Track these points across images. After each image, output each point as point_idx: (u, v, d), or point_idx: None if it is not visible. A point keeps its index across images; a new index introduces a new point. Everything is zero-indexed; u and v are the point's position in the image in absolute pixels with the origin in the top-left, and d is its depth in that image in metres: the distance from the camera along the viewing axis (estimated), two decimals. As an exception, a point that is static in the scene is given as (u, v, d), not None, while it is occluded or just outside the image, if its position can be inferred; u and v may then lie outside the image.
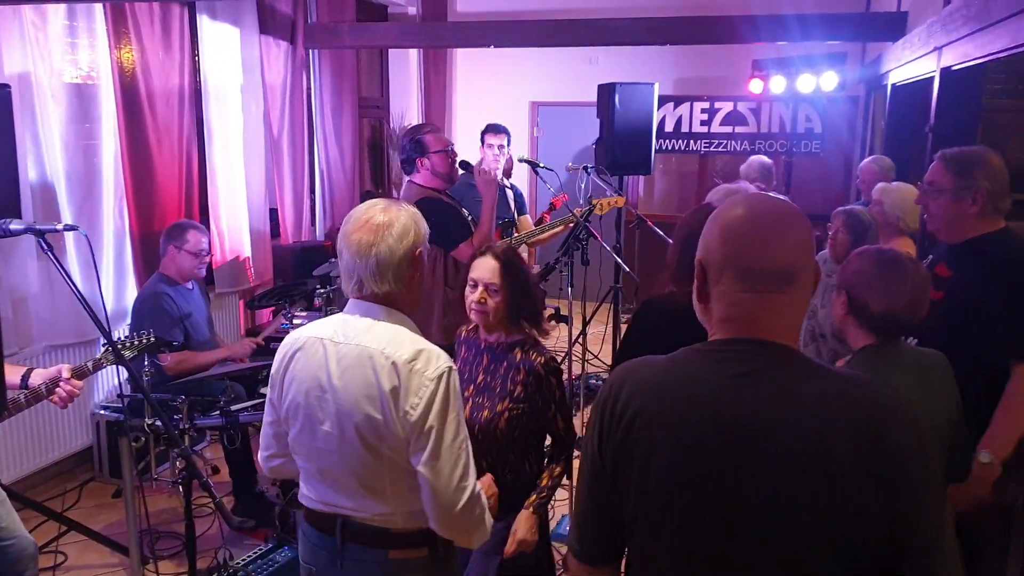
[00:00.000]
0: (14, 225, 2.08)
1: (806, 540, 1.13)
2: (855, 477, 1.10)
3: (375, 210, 1.76)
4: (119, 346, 2.76)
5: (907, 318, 1.88)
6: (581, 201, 4.96)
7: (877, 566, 1.14)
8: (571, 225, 4.42)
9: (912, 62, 4.13)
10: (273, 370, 1.85)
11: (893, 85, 4.81)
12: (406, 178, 3.61)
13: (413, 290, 1.80)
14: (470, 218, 3.57)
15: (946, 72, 3.41)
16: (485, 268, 2.31)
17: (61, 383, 2.50)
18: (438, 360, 1.71)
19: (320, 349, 1.76)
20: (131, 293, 4.42)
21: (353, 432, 1.71)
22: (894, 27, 5.05)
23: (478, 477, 1.78)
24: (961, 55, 3.14)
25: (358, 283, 1.75)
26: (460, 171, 3.67)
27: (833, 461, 1.11)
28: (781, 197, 1.38)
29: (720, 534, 1.17)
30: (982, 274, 2.27)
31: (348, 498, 1.78)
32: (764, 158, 5.64)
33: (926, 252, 2.90)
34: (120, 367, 2.79)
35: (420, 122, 7.73)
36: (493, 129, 4.72)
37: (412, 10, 7.67)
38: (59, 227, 2.14)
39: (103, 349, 2.87)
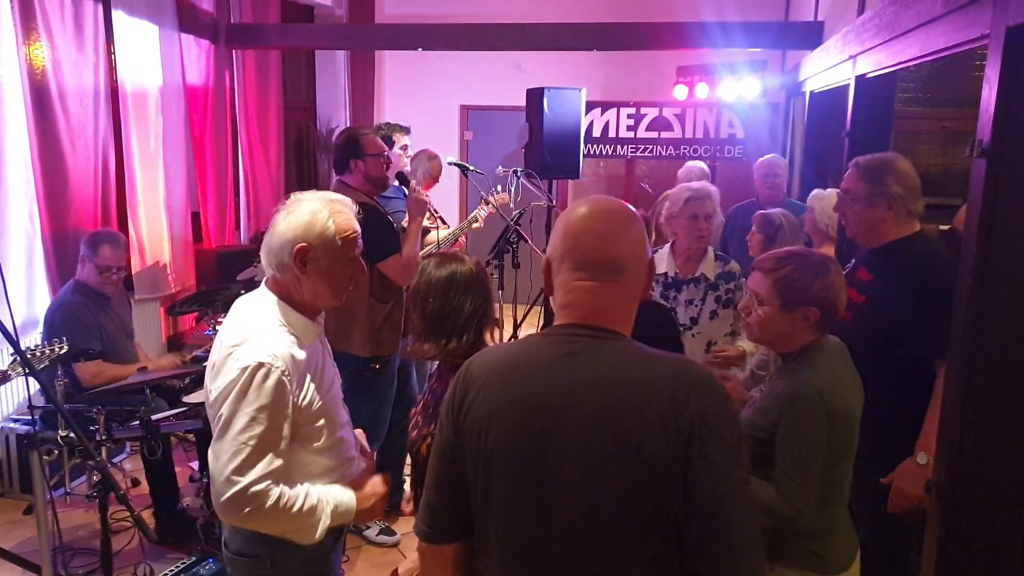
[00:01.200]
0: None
1: (604, 507, 1.23)
2: (653, 440, 1.20)
3: (303, 194, 1.85)
4: (29, 355, 2.63)
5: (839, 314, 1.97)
6: (511, 205, 5.00)
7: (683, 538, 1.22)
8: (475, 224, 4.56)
9: (829, 70, 4.30)
10: None
11: (811, 92, 4.99)
12: (335, 177, 3.56)
13: (304, 284, 1.82)
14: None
15: (861, 80, 3.55)
16: None
17: None
18: (258, 353, 1.71)
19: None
20: (43, 300, 4.22)
21: (207, 409, 1.83)
22: (811, 36, 5.25)
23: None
24: (874, 63, 3.27)
25: (262, 262, 1.86)
26: (395, 182, 3.65)
27: (630, 426, 1.21)
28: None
29: (533, 503, 1.28)
30: (900, 276, 2.33)
31: None
32: (701, 163, 5.80)
33: (847, 257, 3.00)
34: (30, 378, 2.68)
35: (349, 125, 7.64)
36: (398, 128, 4.44)
37: (339, 12, 7.57)
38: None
39: (11, 359, 2.73)
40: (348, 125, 7.81)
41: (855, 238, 2.55)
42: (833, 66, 4.15)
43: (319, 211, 1.81)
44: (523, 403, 1.29)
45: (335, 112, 7.82)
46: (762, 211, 3.52)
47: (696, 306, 3.15)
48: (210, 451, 1.74)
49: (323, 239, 1.80)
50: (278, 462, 1.74)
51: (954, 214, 3.28)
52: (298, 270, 1.80)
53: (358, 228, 1.89)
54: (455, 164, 4.76)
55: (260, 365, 1.70)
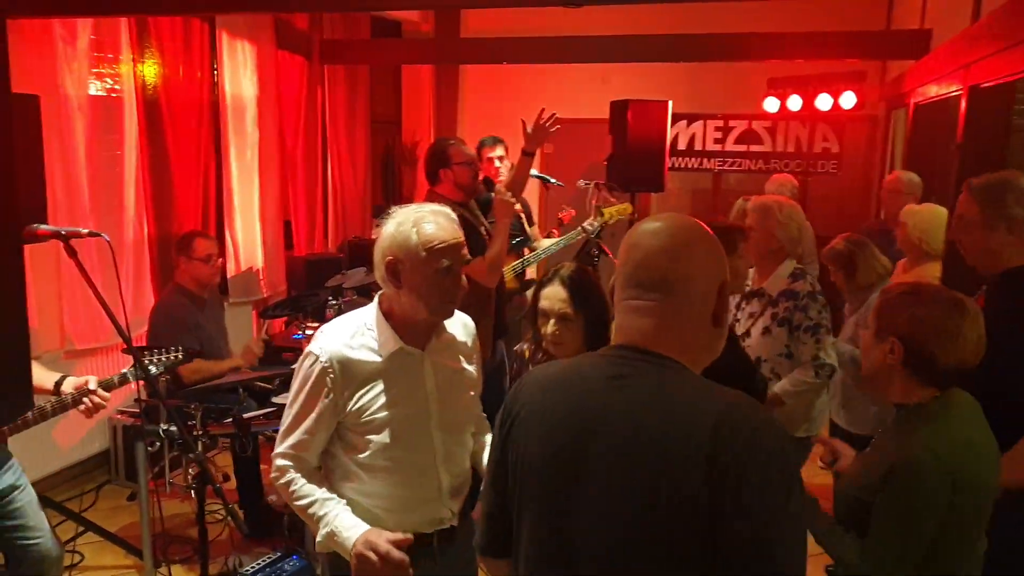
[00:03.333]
0: (41, 229, 2.12)
1: (631, 539, 1.16)
2: (687, 477, 1.12)
3: (396, 208, 1.87)
4: (147, 361, 2.79)
5: (974, 364, 1.70)
6: (591, 217, 4.98)
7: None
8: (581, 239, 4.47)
9: (937, 80, 4.13)
10: None
11: (916, 104, 4.80)
12: (428, 188, 3.66)
13: (403, 298, 1.82)
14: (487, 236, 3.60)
15: (974, 90, 3.40)
16: (554, 298, 2.17)
17: (89, 394, 2.52)
18: (313, 345, 1.84)
19: None
20: (148, 301, 4.47)
21: None
22: (917, 44, 5.02)
23: None
24: (990, 72, 3.13)
25: None
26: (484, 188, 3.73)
27: (663, 458, 1.14)
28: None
29: (559, 528, 1.23)
30: (1015, 307, 2.10)
31: None
32: (789, 176, 5.65)
33: (963, 280, 2.74)
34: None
35: (433, 138, 7.81)
36: (491, 141, 4.65)
37: (426, 27, 7.75)
38: (84, 232, 2.18)
39: (131, 366, 2.89)
40: (432, 138, 7.98)
41: (974, 266, 2.30)
42: (942, 76, 3.98)
43: (404, 222, 1.80)
44: (561, 423, 1.25)
45: (419, 125, 8.00)
46: (831, 246, 3.33)
47: (751, 319, 3.01)
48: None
49: (407, 250, 1.78)
50: (302, 450, 1.85)
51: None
52: (392, 283, 1.81)
53: (448, 239, 1.81)
54: (536, 176, 4.79)
55: (308, 354, 1.83)
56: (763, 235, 2.95)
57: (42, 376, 2.55)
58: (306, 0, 3.70)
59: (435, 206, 1.88)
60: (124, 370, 2.73)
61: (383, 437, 1.82)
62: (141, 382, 2.50)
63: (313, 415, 1.82)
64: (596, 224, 4.62)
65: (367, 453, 1.83)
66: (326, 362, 1.79)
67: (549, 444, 1.26)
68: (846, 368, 3.01)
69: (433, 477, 1.91)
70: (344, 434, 1.85)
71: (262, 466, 3.90)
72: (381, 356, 1.83)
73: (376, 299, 1.89)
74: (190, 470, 2.56)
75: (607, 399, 1.22)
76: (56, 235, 2.12)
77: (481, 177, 3.59)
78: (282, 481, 1.85)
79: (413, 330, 1.86)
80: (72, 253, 2.11)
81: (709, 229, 1.29)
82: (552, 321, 2.15)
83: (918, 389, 1.72)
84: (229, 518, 2.48)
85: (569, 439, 1.23)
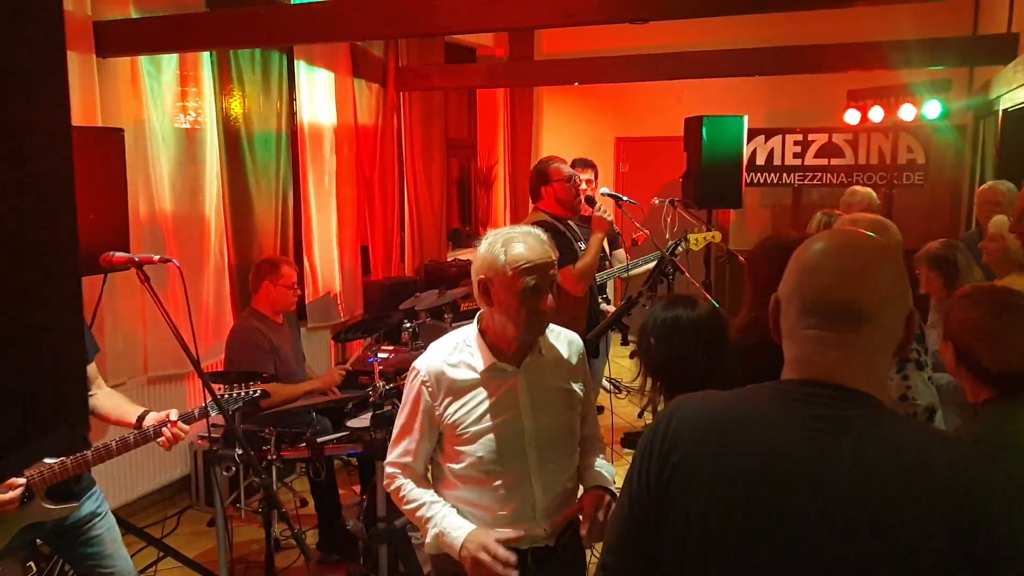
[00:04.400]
0: (117, 256, 2.18)
1: None
2: (929, 544, 0.97)
3: (493, 229, 1.96)
4: (225, 397, 2.82)
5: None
6: (667, 236, 4.88)
7: None
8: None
9: (1027, 85, 3.90)
10: None
11: (1005, 111, 4.54)
12: (531, 206, 3.94)
13: (495, 317, 1.88)
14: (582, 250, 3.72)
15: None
16: None
17: (168, 426, 2.58)
18: (416, 361, 1.95)
19: None
20: (229, 327, 4.58)
21: None
22: (1005, 49, 4.79)
23: None
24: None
25: None
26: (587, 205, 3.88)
27: (918, 530, 0.99)
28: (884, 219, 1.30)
29: None
30: None
31: None
32: (868, 191, 5.41)
33: None
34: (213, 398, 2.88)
35: (509, 161, 7.85)
36: (581, 164, 4.93)
37: (500, 51, 7.81)
38: (156, 258, 2.24)
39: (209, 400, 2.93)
40: (507, 161, 8.02)
41: None
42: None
43: (494, 243, 1.86)
44: (753, 478, 1.07)
45: (494, 148, 8.04)
46: (934, 246, 3.15)
47: None
48: None
49: (496, 270, 1.83)
50: (408, 458, 1.94)
51: None
52: (484, 302, 1.88)
53: (535, 259, 1.82)
54: (609, 195, 4.74)
55: (412, 369, 1.95)
56: None
57: (125, 409, 2.61)
58: (373, 27, 3.71)
59: (528, 227, 1.92)
60: (205, 403, 2.77)
61: (476, 449, 1.88)
62: (224, 413, 2.52)
63: (415, 426, 1.93)
64: (681, 249, 4.52)
65: (463, 464, 1.90)
66: (424, 376, 1.91)
67: (740, 505, 1.07)
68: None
69: (528, 494, 1.91)
70: (444, 445, 1.96)
71: (340, 490, 3.92)
72: (477, 372, 1.91)
73: (476, 317, 1.97)
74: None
75: (809, 445, 1.05)
76: (130, 262, 2.17)
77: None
78: (392, 487, 1.98)
79: (508, 347, 1.92)
80: (145, 279, 2.17)
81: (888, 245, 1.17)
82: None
83: (981, 390, 1.69)
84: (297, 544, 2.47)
85: (768, 496, 1.05)
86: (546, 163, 3.84)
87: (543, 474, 1.92)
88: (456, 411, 1.89)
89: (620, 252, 4.96)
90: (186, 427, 2.62)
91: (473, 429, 1.88)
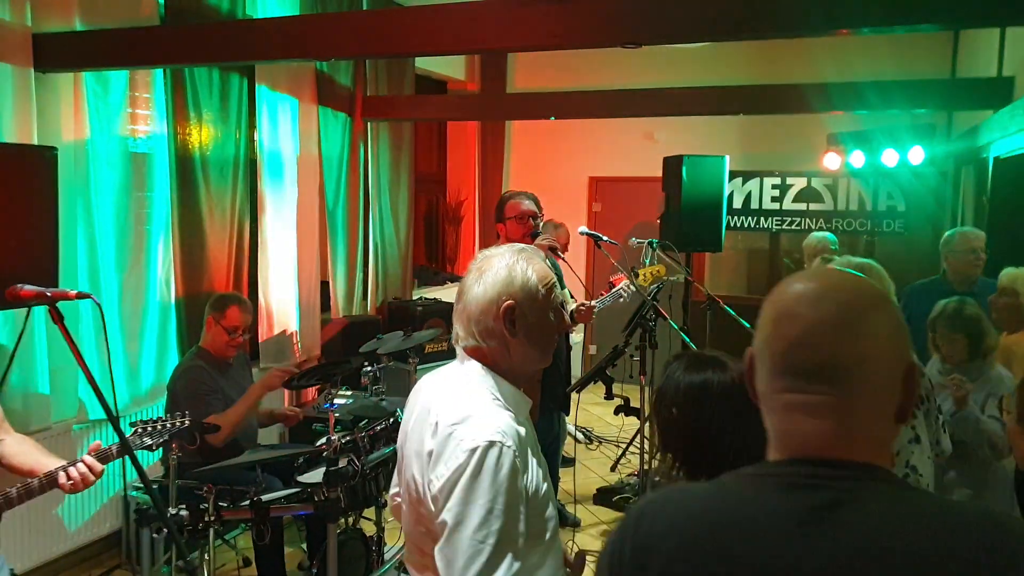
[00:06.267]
0: (25, 290, 1.85)
1: None
2: None
3: (490, 251, 1.66)
4: (141, 430, 2.51)
5: None
6: (627, 280, 4.64)
7: None
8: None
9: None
10: None
11: (996, 158, 4.42)
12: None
13: (514, 348, 1.58)
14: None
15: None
16: None
17: (76, 463, 2.25)
18: (486, 431, 1.44)
19: (415, 396, 1.66)
20: (173, 365, 4.22)
21: (406, 490, 1.61)
22: (998, 93, 4.67)
23: None
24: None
25: (455, 331, 1.63)
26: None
27: None
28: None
29: None
30: None
31: (412, 567, 1.63)
32: (825, 235, 5.33)
33: None
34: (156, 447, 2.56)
35: (478, 197, 7.63)
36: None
37: (472, 86, 7.63)
38: (73, 293, 1.91)
39: (131, 430, 2.62)
40: (477, 197, 7.78)
41: None
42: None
43: (515, 263, 1.60)
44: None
45: (465, 183, 7.81)
46: (950, 304, 2.89)
47: None
48: (438, 552, 1.44)
49: (527, 292, 1.58)
50: (517, 565, 1.41)
51: None
52: (508, 332, 1.57)
53: (554, 275, 1.66)
54: (587, 234, 4.51)
55: (491, 444, 1.42)
56: None
57: (38, 459, 2.35)
58: (343, 46, 3.43)
59: (523, 246, 1.71)
60: (121, 439, 2.44)
61: (551, 508, 1.56)
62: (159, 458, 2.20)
63: (521, 525, 1.43)
64: (631, 290, 4.28)
65: (549, 533, 1.53)
66: (514, 447, 1.45)
67: None
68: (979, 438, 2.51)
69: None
70: (528, 524, 1.50)
71: (287, 548, 3.55)
72: (521, 419, 1.56)
73: (468, 364, 1.59)
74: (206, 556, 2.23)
75: (820, 543, 0.87)
76: (41, 297, 1.84)
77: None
78: None
79: (518, 384, 1.63)
80: (59, 317, 1.83)
81: (883, 292, 0.96)
82: None
83: None
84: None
85: None
86: (504, 196, 3.78)
87: None
88: (533, 474, 1.50)
89: (565, 292, 4.69)
90: (98, 466, 2.29)
91: (544, 484, 1.53)
